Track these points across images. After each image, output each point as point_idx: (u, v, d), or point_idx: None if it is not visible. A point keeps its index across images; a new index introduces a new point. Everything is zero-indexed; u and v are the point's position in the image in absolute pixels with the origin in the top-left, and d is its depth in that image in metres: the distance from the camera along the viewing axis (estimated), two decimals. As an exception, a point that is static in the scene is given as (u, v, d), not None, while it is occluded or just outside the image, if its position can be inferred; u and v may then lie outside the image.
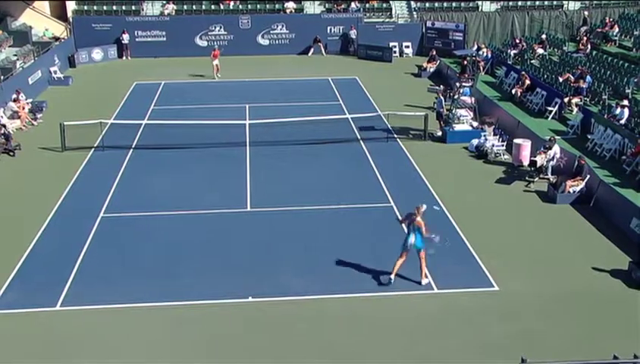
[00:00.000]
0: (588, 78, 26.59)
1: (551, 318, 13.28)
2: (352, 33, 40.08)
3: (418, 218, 14.24)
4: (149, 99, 30.01)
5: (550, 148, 20.17)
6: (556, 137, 21.16)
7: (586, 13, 39.80)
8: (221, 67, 34.29)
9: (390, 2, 42.73)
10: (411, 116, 25.20)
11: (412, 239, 14.20)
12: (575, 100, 25.38)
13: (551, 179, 19.74)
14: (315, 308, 13.64)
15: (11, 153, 22.87)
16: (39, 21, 38.76)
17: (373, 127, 25.18)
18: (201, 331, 12.90)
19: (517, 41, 35.89)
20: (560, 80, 27.42)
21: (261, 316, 13.38)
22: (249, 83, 33.12)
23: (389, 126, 25.21)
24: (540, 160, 20.01)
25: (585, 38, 34.79)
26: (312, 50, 40.16)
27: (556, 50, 34.82)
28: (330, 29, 40.58)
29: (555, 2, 41.86)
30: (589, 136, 22.46)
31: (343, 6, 41.85)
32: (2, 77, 27.45)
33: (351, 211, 18.21)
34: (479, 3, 41.92)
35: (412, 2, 42.41)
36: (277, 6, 42.07)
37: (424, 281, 14.43)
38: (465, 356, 12.09)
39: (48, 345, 12.47)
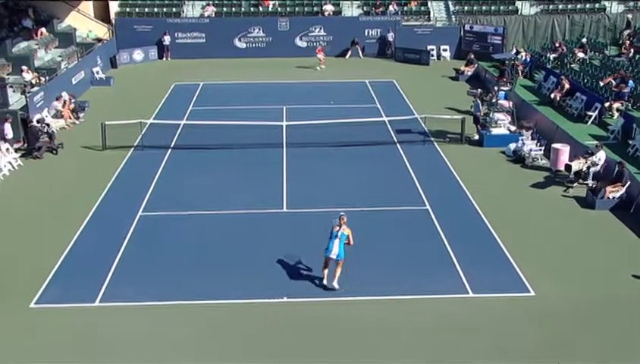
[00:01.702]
0: (631, 82, 26.12)
1: (588, 324, 13.13)
2: (390, 36, 40.02)
3: (344, 227, 14.11)
4: (187, 100, 30.42)
5: (593, 153, 19.86)
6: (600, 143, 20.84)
7: (629, 16, 39.08)
8: (324, 63, 36.95)
9: (429, 5, 42.58)
10: (448, 119, 25.11)
11: (334, 247, 14.05)
12: (616, 105, 24.98)
13: (590, 184, 19.45)
14: (347, 310, 13.70)
15: (54, 151, 23.43)
16: (84, 23, 39.58)
17: (410, 130, 25.14)
18: (235, 330, 13.06)
19: (557, 45, 35.43)
20: (601, 84, 27.00)
21: (293, 316, 13.49)
22: (286, 85, 33.32)
23: (426, 129, 25.14)
24: (576, 165, 19.73)
25: (627, 41, 34.17)
26: (349, 52, 40.22)
27: (597, 54, 34.27)
28: (368, 32, 40.59)
29: (597, 5, 41.18)
30: (630, 142, 22.05)
31: (381, 9, 41.83)
32: (47, 77, 28.08)
33: (386, 214, 18.22)
34: (519, 6, 41.49)
35: (451, 5, 42.18)
36: (315, 8, 42.28)
37: (336, 285, 14.22)
38: (499, 361, 12.02)
39: (86, 340, 12.76)
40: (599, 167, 19.79)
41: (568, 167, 19.99)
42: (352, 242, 14.21)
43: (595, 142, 21.82)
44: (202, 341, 12.71)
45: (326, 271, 14.33)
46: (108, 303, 13.92)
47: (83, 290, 14.33)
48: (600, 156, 19.87)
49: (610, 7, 40.84)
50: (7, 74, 28.02)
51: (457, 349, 12.37)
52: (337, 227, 14.20)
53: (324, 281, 14.33)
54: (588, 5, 41.27)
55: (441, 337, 12.75)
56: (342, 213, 14.48)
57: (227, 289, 14.42)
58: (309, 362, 12.12)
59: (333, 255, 14.10)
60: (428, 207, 18.51)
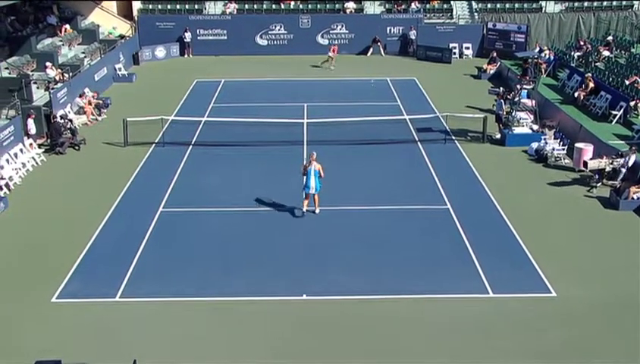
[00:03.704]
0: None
1: (610, 325, 12.97)
2: (412, 34, 39.81)
3: (315, 163, 17.07)
4: (209, 97, 30.52)
5: (623, 155, 19.51)
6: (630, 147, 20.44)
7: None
8: (334, 62, 36.42)
9: (451, 3, 42.29)
10: (470, 118, 24.93)
11: (312, 182, 17.12)
12: (642, 104, 24.59)
13: (617, 184, 19.12)
14: (367, 308, 13.66)
15: (77, 147, 23.64)
16: (107, 20, 39.95)
17: (431, 129, 24.99)
18: (254, 327, 13.08)
19: (581, 43, 34.95)
20: (627, 82, 26.60)
21: (312, 314, 13.48)
22: (307, 82, 33.29)
23: (447, 127, 24.99)
24: (595, 163, 19.44)
25: (655, 40, 33.62)
26: (371, 50, 40.08)
27: (623, 52, 33.76)
28: (390, 30, 40.43)
29: (624, 2, 40.57)
30: (656, 142, 21.72)
31: (403, 6, 41.64)
32: (71, 74, 28.33)
33: (407, 213, 18.13)
34: (543, 4, 41.05)
35: (474, 3, 41.86)
36: (337, 6, 42.19)
37: (317, 210, 17.73)
38: (520, 361, 11.91)
39: (107, 334, 12.86)
40: (626, 168, 19.44)
41: (585, 165, 19.77)
42: (323, 174, 17.27)
43: (623, 142, 21.47)
44: (221, 337, 12.74)
45: (306, 202, 17.64)
46: (129, 299, 14.01)
47: (104, 285, 14.45)
48: (630, 159, 19.40)
49: (638, 4, 40.18)
50: (32, 71, 28.31)
51: (477, 349, 12.27)
52: (309, 165, 17.16)
53: (304, 209, 17.65)
54: (615, 2, 40.66)
55: (461, 337, 12.65)
56: (312, 152, 17.45)
57: (246, 285, 14.44)
58: (327, 359, 12.09)
59: (312, 191, 17.29)
60: (448, 206, 18.39)
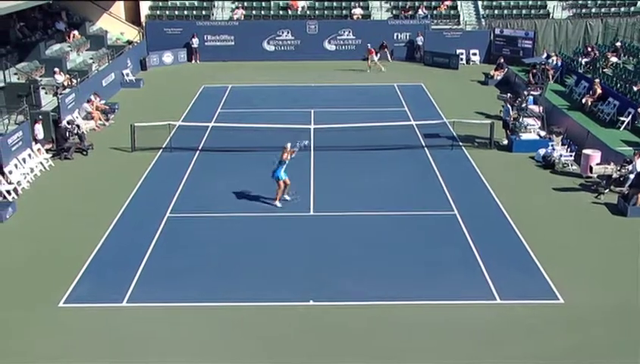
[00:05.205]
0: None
1: (618, 332, 12.90)
2: (419, 40, 39.84)
3: (285, 154, 18.28)
4: (216, 102, 30.60)
5: (630, 162, 19.44)
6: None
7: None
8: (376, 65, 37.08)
9: (458, 9, 42.30)
10: (477, 124, 24.90)
11: (276, 170, 18.28)
12: (650, 110, 24.51)
13: (625, 191, 19.06)
14: (374, 314, 13.62)
15: (84, 152, 23.74)
16: (115, 26, 40.15)
17: (438, 135, 24.97)
18: (260, 333, 13.06)
19: (589, 49, 34.89)
20: (635, 89, 26.52)
21: (319, 320, 13.46)
22: (314, 88, 33.34)
23: (454, 133, 24.96)
24: (601, 169, 19.36)
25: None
26: (378, 56, 40.07)
27: (631, 58, 33.69)
28: (397, 36, 40.46)
29: (632, 8, 40.50)
30: (664, 148, 21.60)
31: (410, 12, 41.68)
32: (79, 79, 28.46)
33: (414, 218, 18.11)
34: (550, 10, 41.00)
35: (481, 9, 41.84)
36: (344, 12, 42.26)
37: (277, 204, 18.58)
38: (526, 370, 11.88)
39: (114, 340, 12.86)
40: (634, 174, 19.37)
41: (591, 169, 19.71)
42: (285, 155, 18.35)
43: (630, 148, 21.39)
44: (228, 343, 12.73)
45: (279, 191, 18.68)
46: (136, 304, 14.02)
47: (111, 291, 14.46)
48: (637, 164, 19.36)
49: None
50: (40, 76, 28.46)
51: (484, 356, 12.22)
52: (284, 155, 18.34)
53: (286, 197, 18.93)
54: (623, 9, 40.60)
55: (468, 343, 12.61)
56: (287, 144, 18.66)
57: (253, 291, 14.44)
58: (334, 366, 12.09)
59: (273, 177, 18.35)
60: (455, 212, 18.35)
